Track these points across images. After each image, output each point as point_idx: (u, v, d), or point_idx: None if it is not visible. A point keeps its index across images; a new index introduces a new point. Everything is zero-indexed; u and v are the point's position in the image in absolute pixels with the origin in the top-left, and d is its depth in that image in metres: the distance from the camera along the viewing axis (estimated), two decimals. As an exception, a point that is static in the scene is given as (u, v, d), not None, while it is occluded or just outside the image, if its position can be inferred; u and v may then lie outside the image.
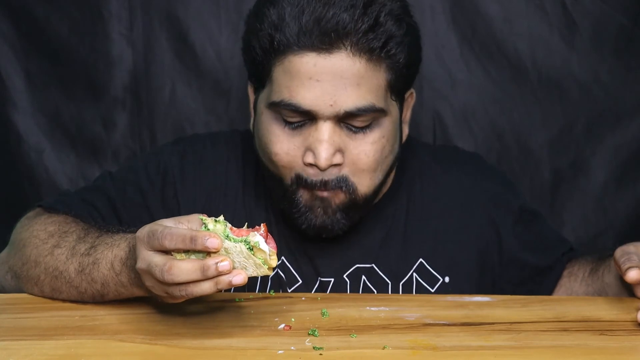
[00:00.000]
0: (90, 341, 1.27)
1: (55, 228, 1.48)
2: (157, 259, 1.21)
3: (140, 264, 1.24)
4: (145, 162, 1.68)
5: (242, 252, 1.21)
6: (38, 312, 1.40)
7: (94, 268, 1.37)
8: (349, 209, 1.54)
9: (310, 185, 1.51)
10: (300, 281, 1.61)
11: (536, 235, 1.72)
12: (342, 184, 1.51)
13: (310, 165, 1.50)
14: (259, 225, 1.25)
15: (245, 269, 1.22)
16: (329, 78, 1.45)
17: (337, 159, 1.50)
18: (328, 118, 1.47)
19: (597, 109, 2.16)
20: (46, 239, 1.46)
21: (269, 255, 1.23)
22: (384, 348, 1.26)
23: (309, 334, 1.31)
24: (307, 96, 1.46)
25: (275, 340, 1.29)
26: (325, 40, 1.44)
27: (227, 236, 1.23)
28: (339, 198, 1.53)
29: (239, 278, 1.19)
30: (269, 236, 1.26)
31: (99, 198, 1.62)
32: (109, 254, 1.36)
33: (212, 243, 1.18)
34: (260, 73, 1.54)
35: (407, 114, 1.65)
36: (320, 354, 1.23)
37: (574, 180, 2.19)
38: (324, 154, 1.47)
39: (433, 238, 1.65)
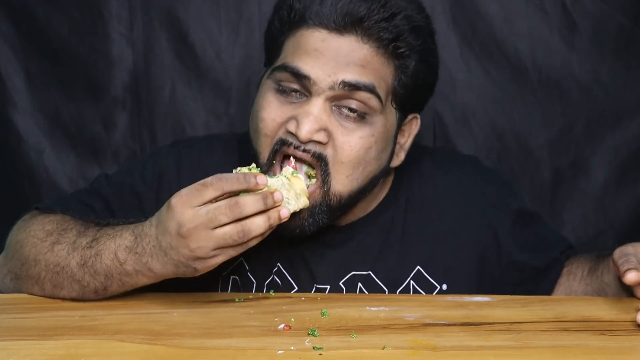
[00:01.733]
0: (90, 341, 1.28)
1: (53, 227, 1.49)
2: (214, 205, 1.30)
3: (190, 224, 1.30)
4: (142, 165, 1.68)
5: (284, 184, 1.38)
6: (38, 312, 1.40)
7: (97, 260, 1.39)
8: (321, 210, 1.50)
9: (289, 147, 1.48)
10: (297, 287, 1.61)
11: (534, 236, 1.71)
12: (322, 161, 1.48)
13: (291, 134, 1.48)
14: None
15: (288, 203, 1.38)
16: (334, 55, 1.46)
17: (321, 136, 1.47)
18: (323, 92, 1.47)
19: (597, 109, 2.16)
20: (44, 237, 1.46)
21: (305, 182, 1.44)
22: (383, 348, 1.26)
23: (308, 334, 1.31)
24: (308, 62, 1.47)
25: (275, 340, 1.29)
26: (339, 20, 1.46)
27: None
28: (313, 193, 1.50)
29: (285, 211, 1.35)
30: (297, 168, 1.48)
31: (95, 200, 1.62)
32: (111, 245, 1.39)
33: (261, 179, 1.34)
34: (273, 48, 1.55)
35: (408, 141, 1.63)
36: (320, 354, 1.23)
37: (574, 180, 2.19)
38: (307, 126, 1.45)
39: (431, 244, 1.64)
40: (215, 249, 1.32)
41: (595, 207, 2.19)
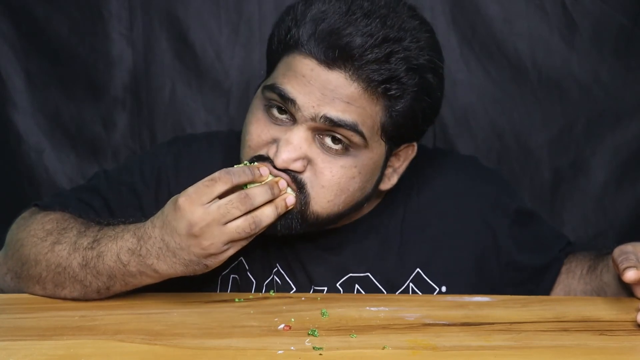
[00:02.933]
0: (90, 341, 1.28)
1: (53, 225, 1.48)
2: (224, 200, 1.33)
3: (201, 222, 1.31)
4: (140, 162, 1.68)
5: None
6: (38, 312, 1.40)
7: (99, 261, 1.39)
8: (294, 219, 1.47)
9: (266, 160, 1.46)
10: (295, 289, 1.60)
11: (533, 235, 1.71)
12: (297, 184, 1.45)
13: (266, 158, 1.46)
14: None
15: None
16: (320, 87, 1.42)
17: (297, 165, 1.44)
18: (305, 121, 1.44)
19: (597, 109, 2.16)
20: (45, 236, 1.46)
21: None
22: (383, 348, 1.26)
23: (308, 334, 1.31)
24: (295, 88, 1.44)
25: (275, 340, 1.29)
26: (329, 54, 1.41)
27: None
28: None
29: (291, 198, 1.42)
30: None
31: (94, 198, 1.61)
32: (113, 247, 1.39)
33: (264, 170, 1.41)
34: (271, 62, 1.54)
35: (402, 166, 1.58)
36: (320, 354, 1.23)
37: (574, 180, 2.19)
38: (284, 155, 1.43)
39: (430, 246, 1.63)
40: (227, 243, 1.34)
41: (595, 207, 2.19)
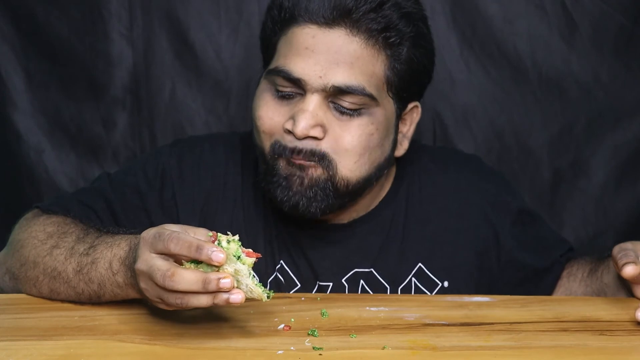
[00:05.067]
0: (89, 341, 1.27)
1: (54, 229, 1.48)
2: (161, 263, 1.21)
3: (141, 265, 1.24)
4: (144, 164, 1.68)
5: (252, 276, 1.22)
6: (37, 313, 1.40)
7: (92, 268, 1.37)
8: (326, 188, 1.50)
9: (284, 152, 1.50)
10: (299, 285, 1.61)
11: (534, 236, 1.71)
12: (317, 156, 1.49)
13: (288, 132, 1.50)
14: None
15: (251, 292, 1.22)
16: (324, 51, 1.48)
17: (316, 132, 1.49)
18: (316, 91, 1.48)
19: (597, 109, 2.16)
20: (45, 239, 1.46)
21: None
22: (383, 348, 1.26)
23: (308, 334, 1.31)
24: (299, 64, 1.48)
25: (275, 340, 1.29)
26: (327, 15, 1.47)
27: (239, 257, 1.22)
28: (317, 172, 1.50)
29: (237, 297, 1.19)
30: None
31: (97, 201, 1.61)
32: (108, 254, 1.36)
33: (216, 256, 1.18)
34: (268, 49, 1.57)
35: (410, 130, 1.64)
36: (320, 354, 1.23)
37: (574, 180, 2.19)
38: (303, 123, 1.47)
39: (432, 242, 1.64)
40: (159, 301, 1.25)
41: (595, 207, 2.19)
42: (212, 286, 1.18)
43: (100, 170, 2.15)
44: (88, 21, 2.16)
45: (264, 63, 1.60)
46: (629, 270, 1.39)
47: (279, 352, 1.24)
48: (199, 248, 1.19)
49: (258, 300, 1.23)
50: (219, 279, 1.18)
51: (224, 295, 1.19)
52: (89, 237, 1.43)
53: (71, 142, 2.21)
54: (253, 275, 1.22)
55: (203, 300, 1.20)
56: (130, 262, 1.30)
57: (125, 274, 1.33)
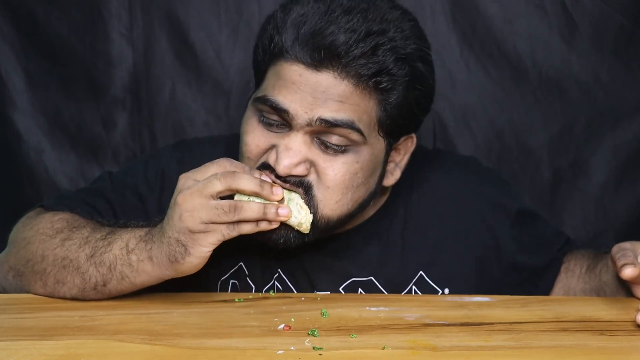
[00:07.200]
0: (90, 341, 1.28)
1: (63, 225, 1.49)
2: (221, 201, 1.34)
3: (187, 190, 1.34)
4: (144, 165, 1.68)
5: (299, 203, 1.43)
6: (38, 312, 1.40)
7: (107, 249, 1.40)
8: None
9: (272, 172, 1.45)
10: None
11: (533, 236, 1.70)
12: (304, 186, 1.45)
13: (270, 167, 1.46)
14: None
15: (299, 211, 1.43)
16: (311, 91, 1.42)
17: (300, 169, 1.44)
18: (301, 128, 1.43)
19: (597, 109, 2.16)
20: (54, 234, 1.47)
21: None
22: (383, 348, 1.26)
23: (308, 334, 1.31)
24: (287, 97, 1.43)
25: (275, 340, 1.29)
26: (315, 56, 1.41)
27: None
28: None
29: (284, 210, 1.38)
30: None
31: (99, 201, 1.62)
32: (126, 235, 1.41)
33: (277, 191, 1.39)
34: (259, 73, 1.53)
35: (404, 159, 1.58)
36: (320, 354, 1.23)
37: (574, 180, 2.19)
38: (286, 161, 1.42)
39: (432, 249, 1.63)
40: (205, 223, 1.33)
41: (595, 207, 2.19)
42: (271, 211, 1.36)
43: (100, 170, 2.15)
44: (88, 21, 2.16)
45: (255, 82, 1.56)
46: (627, 272, 1.39)
47: (279, 352, 1.24)
48: (260, 184, 1.37)
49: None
50: (278, 206, 1.37)
51: (274, 208, 1.37)
52: (105, 228, 1.46)
53: (71, 142, 2.21)
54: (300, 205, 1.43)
55: (255, 208, 1.35)
56: (152, 233, 1.38)
57: (141, 250, 1.38)
